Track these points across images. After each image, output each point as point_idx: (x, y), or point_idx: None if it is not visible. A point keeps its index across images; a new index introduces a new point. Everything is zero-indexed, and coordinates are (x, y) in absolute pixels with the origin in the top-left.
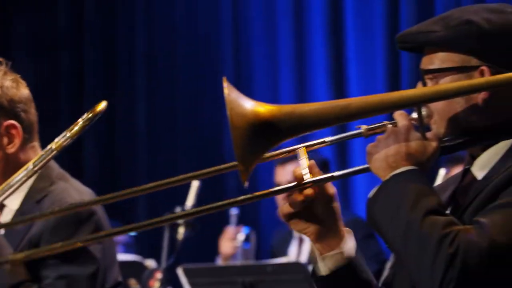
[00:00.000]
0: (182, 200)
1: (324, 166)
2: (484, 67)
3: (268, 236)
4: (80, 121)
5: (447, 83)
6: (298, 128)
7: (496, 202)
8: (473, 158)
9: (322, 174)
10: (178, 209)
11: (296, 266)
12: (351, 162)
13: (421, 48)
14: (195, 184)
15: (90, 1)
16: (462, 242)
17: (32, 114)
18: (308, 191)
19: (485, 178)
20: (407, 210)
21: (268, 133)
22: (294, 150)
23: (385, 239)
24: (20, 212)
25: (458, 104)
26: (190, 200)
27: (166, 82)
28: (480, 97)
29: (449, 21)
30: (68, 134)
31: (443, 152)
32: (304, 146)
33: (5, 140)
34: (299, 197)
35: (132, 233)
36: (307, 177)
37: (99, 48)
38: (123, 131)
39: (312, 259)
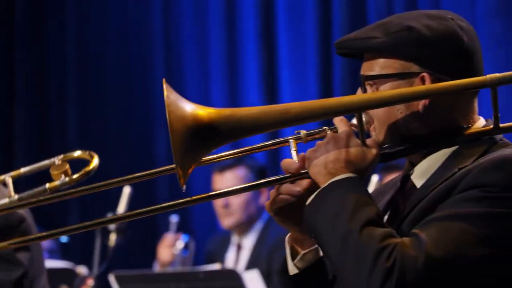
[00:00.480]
0: (114, 207)
1: (262, 173)
2: (425, 74)
3: (205, 243)
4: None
5: (387, 89)
6: (237, 132)
7: (434, 215)
8: (413, 165)
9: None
10: (109, 215)
11: (229, 273)
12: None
13: (360, 54)
14: (126, 191)
15: (20, 3)
16: (399, 256)
17: None
18: (305, 182)
19: (424, 186)
20: (346, 219)
21: (207, 136)
22: (286, 141)
23: (321, 247)
24: None
25: (398, 111)
26: (122, 207)
27: (96, 86)
28: (420, 104)
29: (389, 27)
30: (67, 179)
31: (383, 159)
32: (293, 138)
33: None
34: (296, 187)
35: (64, 239)
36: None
37: (29, 51)
38: (55, 136)
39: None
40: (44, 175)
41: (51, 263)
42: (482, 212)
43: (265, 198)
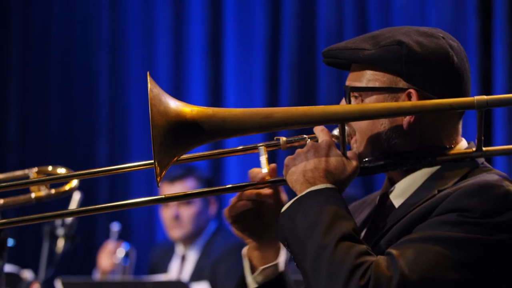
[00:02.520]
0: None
1: (210, 185)
2: (412, 90)
3: (146, 254)
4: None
5: (372, 102)
6: (220, 132)
7: (411, 235)
8: (392, 182)
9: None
10: (58, 221)
11: (177, 284)
12: (226, 180)
13: (347, 65)
14: (76, 197)
15: None
16: (374, 275)
17: None
18: (268, 191)
19: (403, 205)
20: (321, 232)
21: (189, 134)
22: (256, 147)
23: (294, 257)
24: None
25: (382, 125)
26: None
27: (38, 91)
28: (405, 120)
29: (380, 40)
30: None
31: (362, 173)
32: (264, 145)
33: None
34: (258, 195)
35: (10, 243)
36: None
37: None
38: None
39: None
40: None
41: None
42: (459, 236)
43: (213, 209)
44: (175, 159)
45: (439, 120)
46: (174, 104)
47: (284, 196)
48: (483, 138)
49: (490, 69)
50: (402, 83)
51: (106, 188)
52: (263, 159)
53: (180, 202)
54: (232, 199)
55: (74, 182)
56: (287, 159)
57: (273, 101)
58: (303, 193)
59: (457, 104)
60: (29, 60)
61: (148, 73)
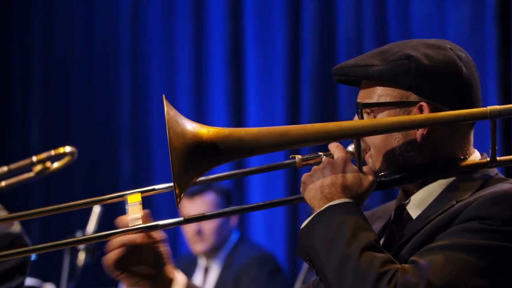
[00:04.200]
0: (79, 226)
1: (227, 197)
2: (423, 103)
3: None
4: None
5: (385, 117)
6: (236, 152)
7: (433, 244)
8: (407, 194)
9: (152, 221)
10: (78, 234)
11: None
12: (249, 195)
13: (357, 82)
14: (96, 210)
15: None
16: (400, 282)
17: None
18: (135, 235)
19: (421, 217)
20: (344, 244)
21: (207, 155)
22: (123, 195)
23: (317, 271)
24: None
25: (396, 140)
26: (92, 226)
27: (60, 106)
28: (418, 133)
29: (388, 56)
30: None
31: (378, 187)
32: (139, 191)
33: None
34: (127, 237)
35: (32, 257)
36: (137, 223)
37: None
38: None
39: None
40: None
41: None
42: (482, 243)
43: (234, 221)
44: (193, 180)
45: (452, 131)
46: (190, 126)
47: (158, 234)
48: (496, 148)
49: (510, 77)
50: (413, 97)
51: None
52: (130, 207)
53: None
54: (107, 256)
55: (68, 149)
56: (304, 176)
57: (294, 113)
58: (322, 208)
59: (470, 114)
60: (50, 75)
61: (163, 96)
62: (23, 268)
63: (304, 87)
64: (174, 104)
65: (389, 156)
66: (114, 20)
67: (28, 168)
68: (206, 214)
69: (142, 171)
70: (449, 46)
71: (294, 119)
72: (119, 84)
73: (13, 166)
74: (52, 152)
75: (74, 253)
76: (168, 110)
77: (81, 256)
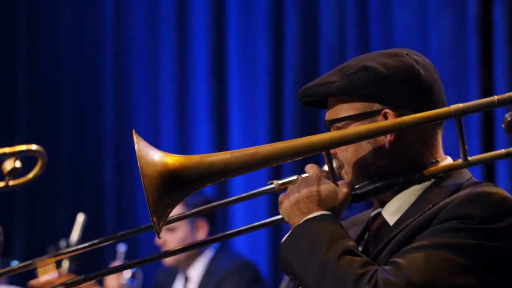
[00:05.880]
0: (63, 233)
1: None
2: (387, 110)
3: (152, 275)
4: None
5: None
6: (208, 177)
7: (412, 244)
8: (382, 203)
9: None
10: (63, 242)
11: None
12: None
13: (324, 103)
14: (80, 219)
15: None
16: (380, 281)
17: None
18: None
19: (398, 222)
20: (322, 252)
21: (180, 182)
22: (30, 264)
23: (298, 281)
24: None
25: (365, 150)
26: (76, 234)
27: (47, 120)
28: (386, 140)
29: (347, 70)
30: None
31: (354, 199)
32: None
33: None
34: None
35: (14, 263)
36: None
37: None
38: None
39: None
40: None
41: None
42: (461, 242)
43: (203, 232)
44: (170, 209)
45: (419, 134)
46: (161, 155)
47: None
48: (466, 147)
49: (491, 88)
50: (376, 106)
51: (112, 212)
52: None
53: (165, 229)
54: None
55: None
56: (281, 196)
57: (277, 123)
58: (299, 222)
59: (434, 115)
60: (37, 85)
61: (133, 131)
62: None
63: (287, 98)
64: (157, 115)
65: (362, 168)
66: (98, 28)
67: (0, 158)
68: (185, 245)
69: (125, 184)
70: (405, 52)
71: (277, 130)
72: (104, 96)
73: None
74: (24, 147)
75: (58, 261)
76: (138, 141)
77: (65, 264)
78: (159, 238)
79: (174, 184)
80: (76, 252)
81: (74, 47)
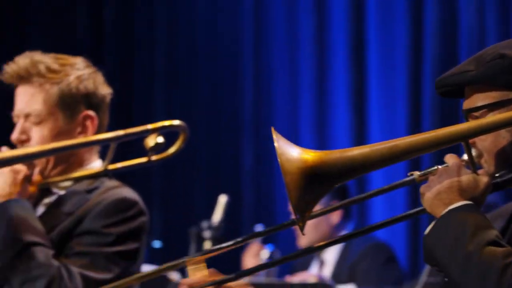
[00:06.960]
0: (205, 215)
1: (343, 192)
2: None
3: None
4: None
5: None
6: (349, 172)
7: None
8: None
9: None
10: (204, 223)
11: (325, 287)
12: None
13: (461, 92)
14: (222, 200)
15: (109, 14)
16: None
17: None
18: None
19: None
20: (467, 241)
21: (320, 178)
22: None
23: (445, 273)
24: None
25: (504, 139)
26: (218, 215)
27: (184, 109)
28: None
29: (483, 59)
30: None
31: (495, 188)
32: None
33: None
34: None
35: (157, 245)
36: None
37: (117, 62)
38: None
39: None
40: None
41: (143, 268)
42: None
43: (337, 215)
44: (312, 206)
45: None
46: (299, 152)
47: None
48: None
49: None
50: None
51: (250, 197)
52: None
53: None
54: None
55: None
56: (422, 187)
57: (415, 113)
58: (442, 213)
59: None
60: (174, 80)
61: (272, 128)
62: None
63: (426, 85)
64: (296, 99)
65: (501, 156)
66: (236, 16)
67: (144, 134)
68: (330, 240)
69: (263, 165)
70: None
71: (415, 120)
72: (243, 79)
73: (130, 130)
74: (166, 123)
75: (200, 241)
76: (277, 138)
77: (207, 245)
78: (303, 235)
79: (315, 180)
80: (222, 251)
81: (212, 30)
